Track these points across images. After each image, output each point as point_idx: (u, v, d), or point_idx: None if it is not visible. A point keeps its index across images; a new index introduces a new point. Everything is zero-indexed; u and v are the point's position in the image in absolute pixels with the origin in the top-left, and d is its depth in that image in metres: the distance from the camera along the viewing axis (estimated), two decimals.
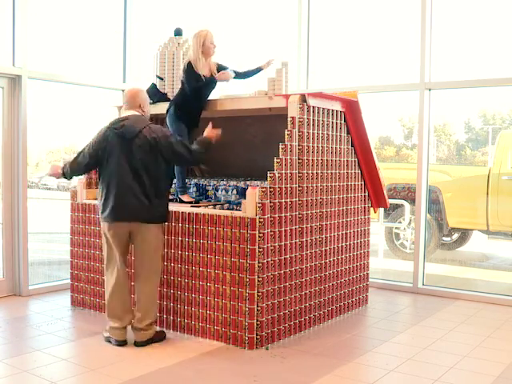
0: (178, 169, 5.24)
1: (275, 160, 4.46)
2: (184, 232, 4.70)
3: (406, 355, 4.30)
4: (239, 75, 5.34)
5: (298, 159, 4.65)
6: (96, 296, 5.36)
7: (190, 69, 5.04)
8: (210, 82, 5.14)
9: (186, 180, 5.51)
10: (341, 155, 5.18)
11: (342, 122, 5.18)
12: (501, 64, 6.44)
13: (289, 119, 4.59)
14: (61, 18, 6.36)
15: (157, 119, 5.77)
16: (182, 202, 5.14)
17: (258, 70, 5.35)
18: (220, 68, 5.23)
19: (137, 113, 4.46)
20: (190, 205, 4.96)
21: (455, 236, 8.09)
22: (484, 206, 7.26)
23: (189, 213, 4.67)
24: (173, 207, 4.81)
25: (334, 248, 5.16)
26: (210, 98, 5.36)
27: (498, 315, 5.42)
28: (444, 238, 8.03)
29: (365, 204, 5.61)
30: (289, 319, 4.68)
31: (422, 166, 6.16)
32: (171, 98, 5.53)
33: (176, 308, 4.79)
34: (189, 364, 4.08)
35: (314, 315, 4.98)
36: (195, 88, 5.03)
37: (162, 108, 5.39)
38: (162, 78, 5.71)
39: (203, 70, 5.06)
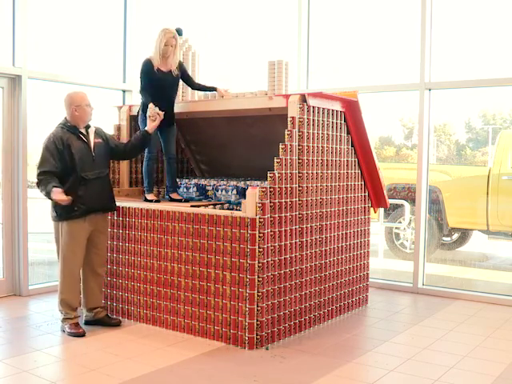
0: (145, 169, 5.30)
1: (275, 160, 4.46)
2: (184, 232, 4.70)
3: (406, 355, 4.30)
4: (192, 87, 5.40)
5: (298, 159, 4.64)
6: None
7: (144, 67, 5.13)
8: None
9: (186, 180, 5.53)
10: (341, 155, 5.18)
11: (342, 121, 5.18)
12: (501, 64, 6.43)
13: (289, 119, 4.59)
14: (61, 17, 6.36)
15: None
16: (146, 200, 5.19)
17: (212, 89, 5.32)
18: (181, 67, 5.26)
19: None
20: (153, 202, 5.10)
21: (455, 236, 8.08)
22: (484, 206, 7.25)
23: (189, 213, 4.67)
24: (172, 207, 4.82)
25: (334, 248, 5.16)
26: (209, 97, 5.37)
27: (498, 315, 5.42)
28: (444, 238, 8.02)
29: (365, 204, 5.61)
30: (289, 319, 4.68)
31: (422, 165, 6.16)
32: None
33: (176, 308, 4.79)
34: (189, 364, 4.08)
35: (314, 315, 4.98)
36: (144, 102, 5.16)
37: None
38: None
39: (162, 66, 5.13)
